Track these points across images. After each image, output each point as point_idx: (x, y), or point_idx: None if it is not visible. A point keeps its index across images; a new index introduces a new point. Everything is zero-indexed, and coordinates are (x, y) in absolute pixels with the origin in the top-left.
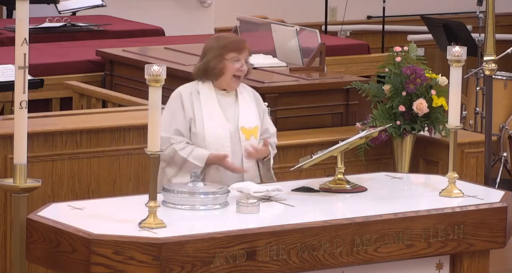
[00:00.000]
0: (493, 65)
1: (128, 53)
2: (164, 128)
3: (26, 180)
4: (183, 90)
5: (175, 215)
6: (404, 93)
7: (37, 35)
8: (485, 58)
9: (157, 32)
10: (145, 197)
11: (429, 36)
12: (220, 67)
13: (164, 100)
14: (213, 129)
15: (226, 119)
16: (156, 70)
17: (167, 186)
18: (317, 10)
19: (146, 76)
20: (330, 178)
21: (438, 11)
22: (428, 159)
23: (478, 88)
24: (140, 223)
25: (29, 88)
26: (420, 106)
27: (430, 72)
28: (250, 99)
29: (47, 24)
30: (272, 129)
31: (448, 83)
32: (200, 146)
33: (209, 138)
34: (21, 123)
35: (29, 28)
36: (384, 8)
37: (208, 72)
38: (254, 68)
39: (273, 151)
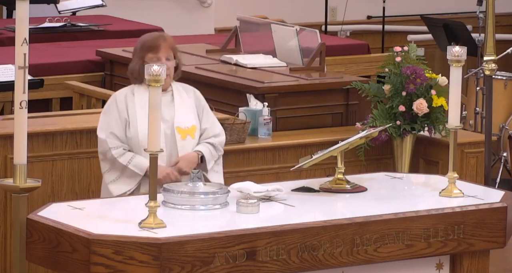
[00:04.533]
0: (493, 65)
1: (128, 53)
2: (102, 129)
3: (26, 180)
4: (118, 93)
5: (175, 215)
6: (404, 93)
7: (37, 35)
8: (485, 58)
9: None
10: (145, 197)
11: (429, 36)
12: (142, 71)
13: None
14: (147, 131)
15: (162, 119)
16: (156, 70)
17: (167, 186)
18: (317, 10)
19: (146, 76)
20: (330, 178)
21: (438, 11)
22: (428, 159)
23: (478, 88)
24: (140, 223)
25: (29, 88)
26: (420, 106)
27: (430, 72)
28: (188, 99)
29: (47, 24)
30: (217, 129)
31: (448, 83)
32: (136, 149)
33: (143, 140)
34: (21, 123)
35: (29, 28)
36: (384, 8)
37: (134, 76)
38: (254, 68)
39: (218, 153)
